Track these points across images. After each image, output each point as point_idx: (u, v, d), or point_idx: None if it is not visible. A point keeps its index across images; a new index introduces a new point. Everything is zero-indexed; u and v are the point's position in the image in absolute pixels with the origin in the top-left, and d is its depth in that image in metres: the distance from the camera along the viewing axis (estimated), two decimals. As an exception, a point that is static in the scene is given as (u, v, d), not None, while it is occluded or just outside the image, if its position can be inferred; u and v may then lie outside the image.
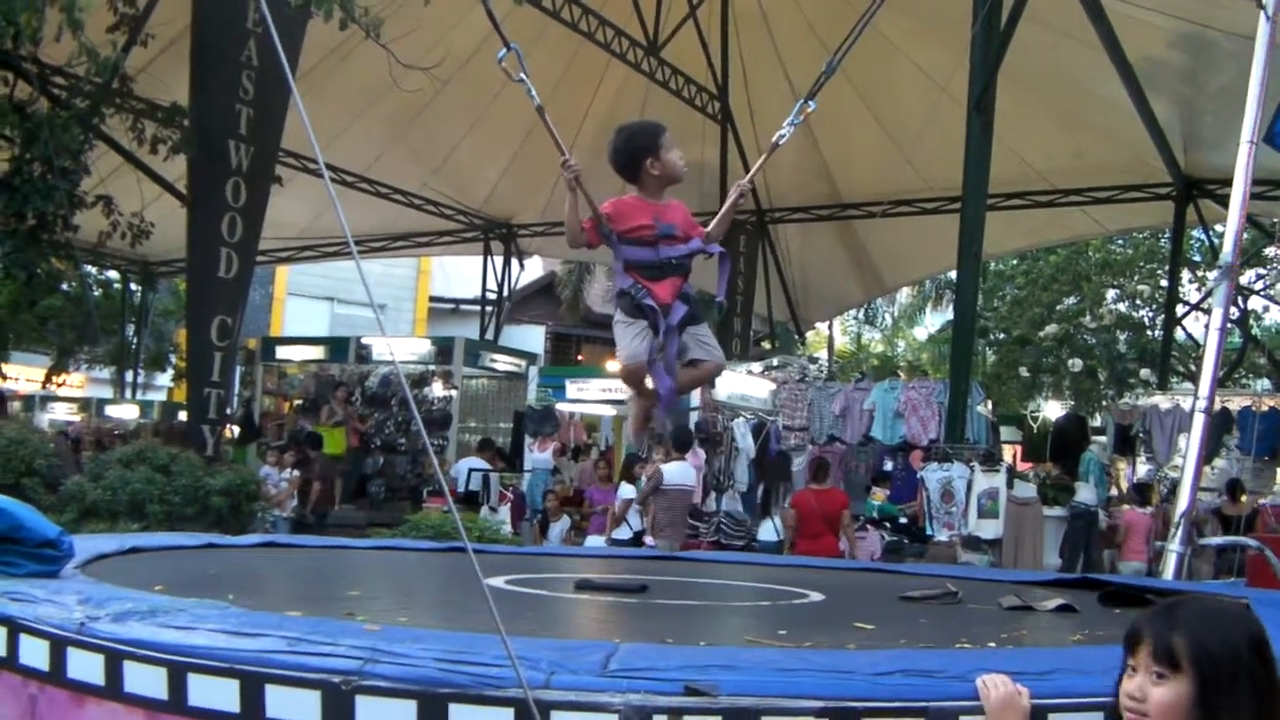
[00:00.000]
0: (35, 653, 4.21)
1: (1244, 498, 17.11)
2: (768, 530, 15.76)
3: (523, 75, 5.30)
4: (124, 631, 4.00)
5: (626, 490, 15.84)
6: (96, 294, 30.98)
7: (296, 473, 18.99)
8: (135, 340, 32.66)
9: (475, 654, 3.59)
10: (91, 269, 29.39)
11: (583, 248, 5.64)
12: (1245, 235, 11.35)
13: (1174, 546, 8.76)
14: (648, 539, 15.29)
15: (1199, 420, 9.01)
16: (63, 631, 4.12)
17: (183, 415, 19.24)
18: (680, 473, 14.88)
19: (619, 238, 5.47)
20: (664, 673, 3.55)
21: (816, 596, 6.80)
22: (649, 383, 5.60)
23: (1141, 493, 17.62)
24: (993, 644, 4.86)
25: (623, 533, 15.41)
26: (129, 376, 32.80)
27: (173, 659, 3.79)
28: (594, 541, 16.09)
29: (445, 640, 3.79)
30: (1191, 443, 9.12)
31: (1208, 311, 10.24)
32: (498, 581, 6.40)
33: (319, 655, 3.64)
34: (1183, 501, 8.91)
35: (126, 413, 29.13)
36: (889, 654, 4.19)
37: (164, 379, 35.49)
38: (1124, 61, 18.77)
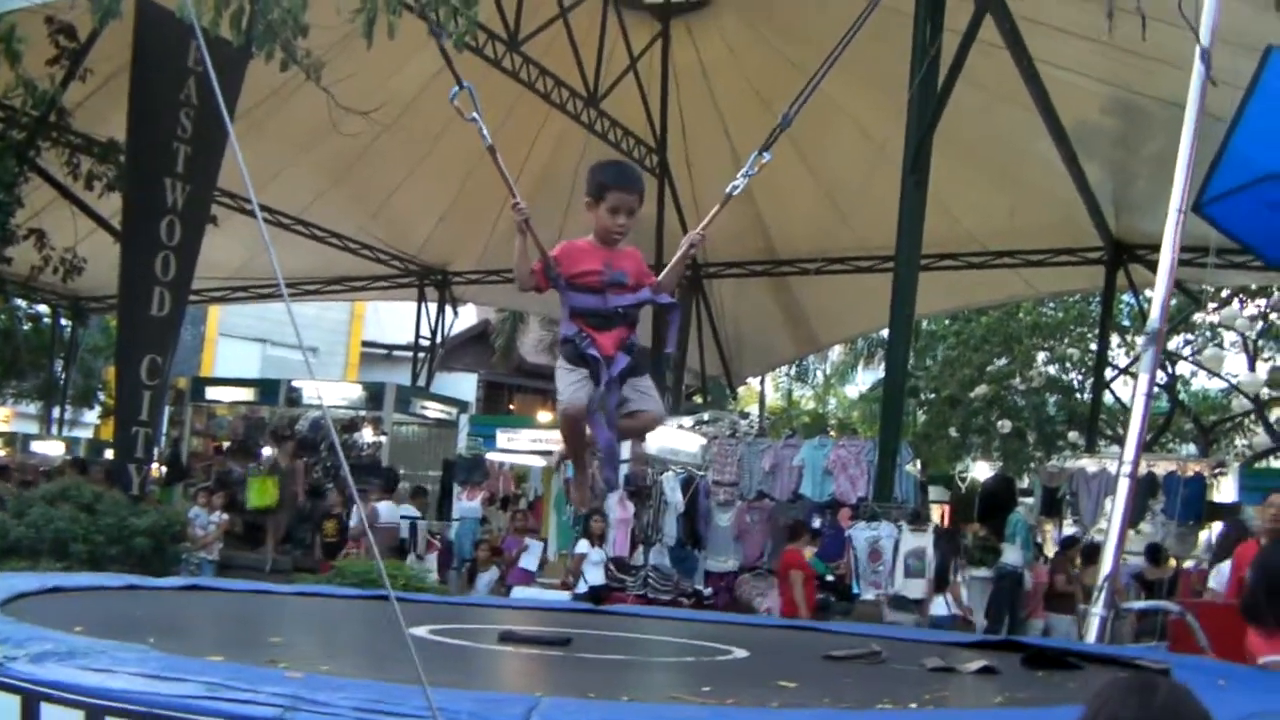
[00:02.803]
0: (-50, 694, 4.15)
1: (1171, 562, 17.24)
2: (939, 605, 15.59)
3: (475, 115, 5.25)
4: (42, 673, 3.95)
5: (582, 545, 15.88)
6: (25, 328, 30.73)
7: (225, 515, 18.88)
8: (63, 376, 32.36)
9: (396, 704, 3.57)
10: (21, 302, 29.14)
11: (531, 290, 5.54)
12: (1173, 301, 11.47)
13: (1097, 610, 8.81)
14: None
15: (1124, 484, 9.08)
16: (-22, 672, 4.08)
17: (109, 453, 19.07)
18: (389, 511, 17.67)
19: (567, 283, 5.39)
20: (586, 727, 3.54)
21: (741, 653, 6.79)
22: (586, 434, 5.55)
23: (1065, 547, 17.71)
24: (914, 705, 4.87)
25: (579, 588, 15.42)
26: (56, 412, 32.52)
27: (90, 701, 3.75)
28: (520, 593, 16.04)
29: (366, 689, 3.77)
30: (1116, 507, 9.19)
31: (1136, 375, 10.33)
32: (421, 631, 6.37)
33: (239, 702, 3.61)
34: (1106, 565, 8.97)
35: (52, 449, 28.83)
36: (812, 713, 4.20)
37: (91, 416, 35.19)
38: (1058, 125, 18.96)
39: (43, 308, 31.79)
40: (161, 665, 4.04)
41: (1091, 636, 8.74)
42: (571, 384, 5.36)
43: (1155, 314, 9.56)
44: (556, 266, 5.38)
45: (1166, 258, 9.40)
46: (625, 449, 17.29)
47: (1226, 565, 13.35)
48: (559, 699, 3.96)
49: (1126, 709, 2.55)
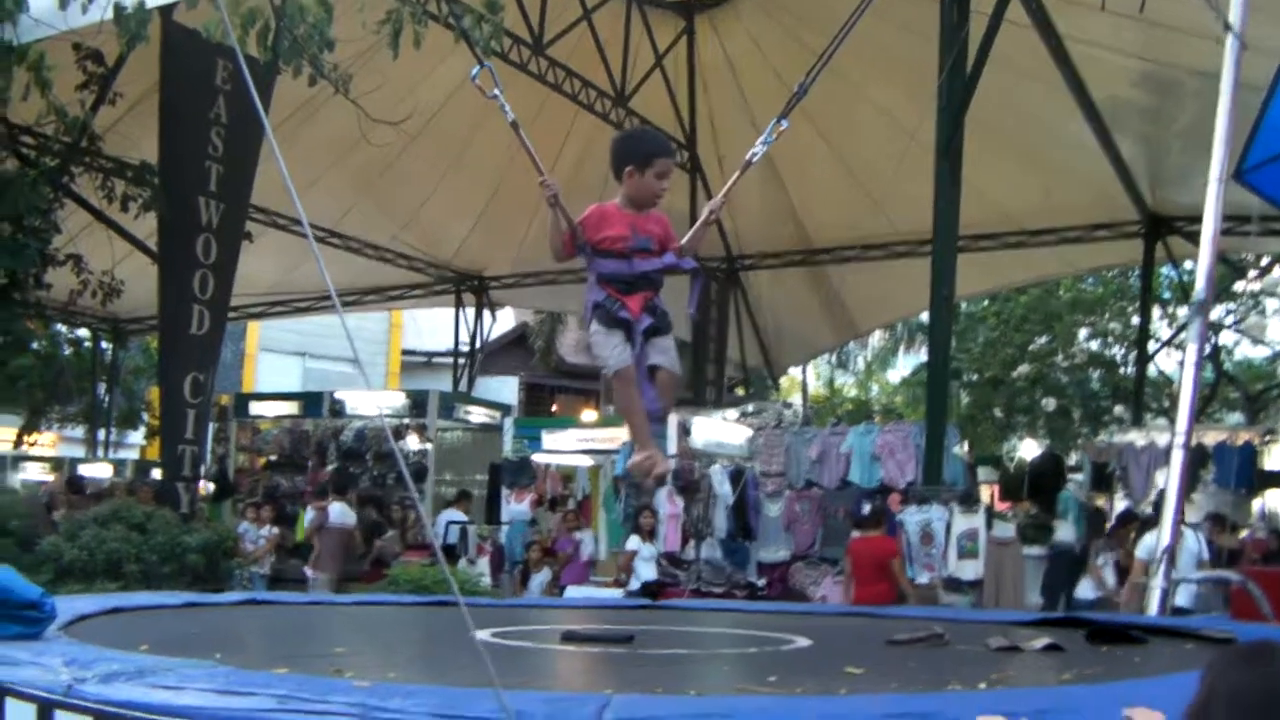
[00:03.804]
0: (22, 716, 4.14)
1: (1243, 532, 17.01)
2: (1084, 588, 15.48)
3: (496, 91, 5.40)
4: (112, 693, 3.95)
5: (633, 542, 15.85)
6: (67, 352, 30.79)
7: (275, 529, 18.93)
8: (107, 399, 32.45)
9: (469, 708, 3.55)
10: (62, 327, 29.23)
11: (564, 260, 5.73)
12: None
13: (1157, 582, 8.75)
14: (308, 570, 16.93)
15: (1178, 456, 9.00)
16: (50, 694, 4.07)
17: (156, 473, 19.13)
18: (340, 512, 17.64)
19: (594, 249, 5.55)
20: (660, 723, 3.53)
21: (803, 642, 6.76)
22: (640, 397, 5.59)
23: (1122, 522, 17.40)
24: (984, 685, 4.84)
25: (631, 585, 15.39)
26: (101, 435, 32.58)
27: (163, 720, 3.75)
28: (574, 592, 16.04)
29: (437, 695, 3.75)
30: (1171, 478, 9.12)
31: (1179, 347, 10.30)
32: (484, 634, 6.36)
33: (311, 713, 3.60)
34: (1165, 537, 8.90)
35: (99, 472, 28.85)
36: (883, 698, 4.17)
37: (136, 437, 35.26)
38: (1089, 102, 18.86)
39: (83, 332, 31.88)
40: (230, 680, 4.04)
41: (1153, 609, 8.67)
42: (614, 347, 5.51)
43: (1200, 284, 9.49)
44: (584, 234, 5.55)
45: (1209, 228, 9.33)
46: (671, 444, 17.34)
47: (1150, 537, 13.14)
48: (629, 696, 3.94)
49: (1247, 677, 2.50)
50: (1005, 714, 3.48)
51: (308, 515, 17.97)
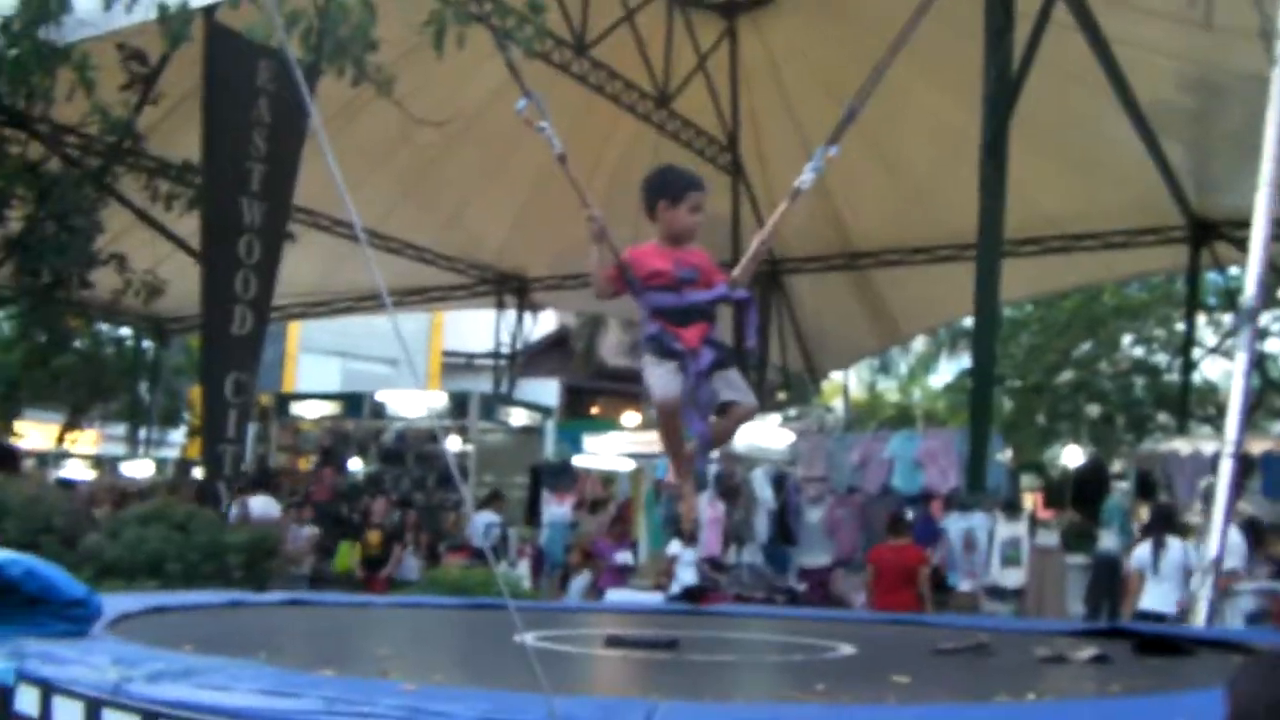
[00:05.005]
0: (70, 714, 4.15)
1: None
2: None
3: (544, 124, 5.26)
4: (159, 692, 3.94)
5: (674, 546, 15.81)
6: (109, 351, 30.93)
7: (316, 529, 18.94)
8: (148, 397, 32.56)
9: (518, 713, 3.53)
10: (104, 326, 29.37)
11: (609, 298, 5.58)
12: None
13: (1204, 593, 8.68)
14: None
15: (1227, 465, 8.93)
16: (97, 693, 4.07)
17: (198, 472, 19.18)
18: (263, 504, 17.17)
19: (642, 284, 5.42)
20: (709, 730, 3.50)
21: (848, 650, 6.73)
22: (682, 431, 5.51)
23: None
24: (1032, 695, 4.81)
25: (672, 589, 15.36)
26: (142, 434, 32.70)
27: (210, 720, 3.74)
28: (614, 596, 16.01)
29: (485, 699, 3.73)
30: (1219, 488, 9.04)
31: (1225, 355, 10.19)
32: (528, 637, 6.34)
33: (358, 715, 3.58)
34: (1212, 548, 8.83)
35: (140, 470, 28.97)
36: (934, 708, 4.15)
37: (177, 435, 35.38)
38: (1134, 105, 18.76)
39: (125, 330, 32.00)
40: (277, 681, 4.03)
41: (1200, 619, 8.61)
42: (661, 376, 5.32)
43: (1250, 290, 9.42)
44: (631, 270, 5.41)
45: (1259, 233, 9.27)
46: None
47: (1146, 547, 12.88)
48: (677, 703, 3.93)
49: (1272, 688, 2.44)
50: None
51: (231, 511, 17.87)
